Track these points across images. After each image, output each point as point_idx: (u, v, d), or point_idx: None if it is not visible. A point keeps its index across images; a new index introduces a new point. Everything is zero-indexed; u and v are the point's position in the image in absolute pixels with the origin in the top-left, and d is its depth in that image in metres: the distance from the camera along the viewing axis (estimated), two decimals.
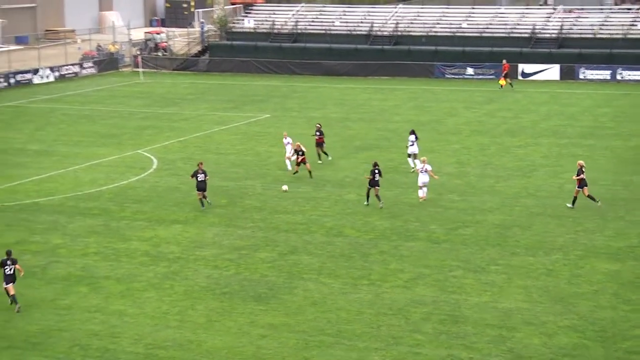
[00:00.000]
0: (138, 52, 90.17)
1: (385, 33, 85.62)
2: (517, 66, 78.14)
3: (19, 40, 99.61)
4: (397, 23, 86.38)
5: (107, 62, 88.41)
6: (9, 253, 29.26)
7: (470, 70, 79.22)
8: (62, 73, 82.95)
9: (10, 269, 28.83)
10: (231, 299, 29.47)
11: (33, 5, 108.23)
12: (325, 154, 47.68)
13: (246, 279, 31.21)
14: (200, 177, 39.31)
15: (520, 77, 78.01)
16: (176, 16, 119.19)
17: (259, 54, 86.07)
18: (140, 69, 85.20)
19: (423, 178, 40.36)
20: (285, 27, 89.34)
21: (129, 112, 65.33)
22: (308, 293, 29.84)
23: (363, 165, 45.81)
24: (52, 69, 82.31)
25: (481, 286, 30.22)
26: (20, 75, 79.50)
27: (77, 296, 29.86)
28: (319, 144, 47.47)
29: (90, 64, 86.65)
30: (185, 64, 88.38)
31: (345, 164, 47.62)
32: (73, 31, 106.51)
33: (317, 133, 47.49)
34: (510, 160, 48.39)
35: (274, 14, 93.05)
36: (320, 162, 47.24)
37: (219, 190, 42.38)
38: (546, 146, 51.69)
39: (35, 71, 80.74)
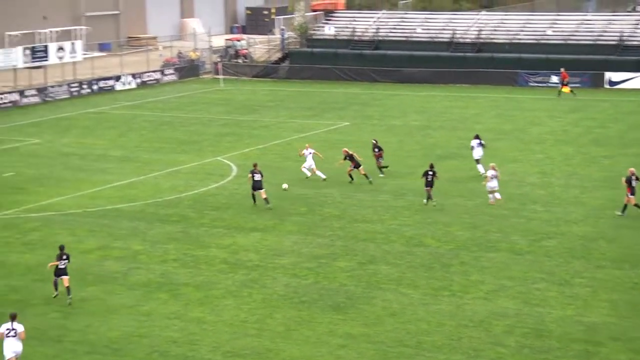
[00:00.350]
0: (218, 59, 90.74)
1: (467, 40, 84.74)
2: (603, 74, 76.60)
3: (102, 47, 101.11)
4: (480, 30, 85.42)
5: (188, 69, 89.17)
6: (62, 248, 30.35)
7: (554, 79, 77.62)
8: (144, 80, 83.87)
9: (63, 264, 29.84)
10: (310, 308, 29.24)
11: (116, 12, 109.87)
12: (380, 170, 46.74)
13: (324, 288, 30.95)
14: (257, 177, 40.39)
15: (607, 86, 76.41)
16: (257, 23, 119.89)
17: (339, 61, 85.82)
18: (221, 76, 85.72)
19: (492, 184, 40.13)
20: (366, 34, 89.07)
21: (209, 119, 65.70)
22: (387, 303, 29.47)
23: (445, 174, 44.93)
24: (134, 75, 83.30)
25: (565, 299, 29.49)
26: (103, 81, 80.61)
27: (157, 302, 29.94)
28: (378, 158, 46.97)
29: (171, 71, 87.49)
30: (265, 71, 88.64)
31: None
32: (155, 38, 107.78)
33: (375, 149, 47.03)
34: (596, 171, 47.30)
35: (355, 21, 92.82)
36: (382, 175, 46.38)
37: (299, 199, 42.22)
38: (634, 157, 50.31)
39: (118, 78, 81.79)
